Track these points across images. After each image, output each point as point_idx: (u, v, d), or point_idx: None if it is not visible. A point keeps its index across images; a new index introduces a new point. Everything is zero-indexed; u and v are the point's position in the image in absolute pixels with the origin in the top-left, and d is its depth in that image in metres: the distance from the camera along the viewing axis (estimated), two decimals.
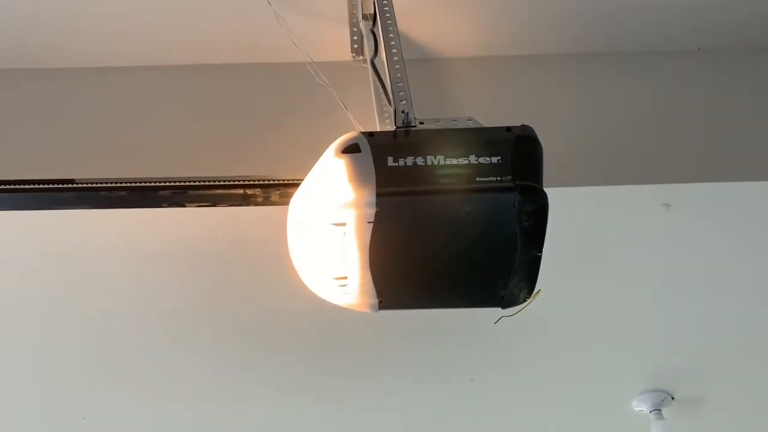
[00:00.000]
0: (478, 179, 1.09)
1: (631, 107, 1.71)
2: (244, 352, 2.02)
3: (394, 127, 1.20)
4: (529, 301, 1.20)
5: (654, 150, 1.65)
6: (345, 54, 1.74)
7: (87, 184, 1.35)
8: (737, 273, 1.83)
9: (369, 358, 2.04)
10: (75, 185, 1.35)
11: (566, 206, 1.55)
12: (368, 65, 1.53)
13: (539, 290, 1.19)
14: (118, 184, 1.35)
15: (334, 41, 1.72)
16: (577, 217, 1.65)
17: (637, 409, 2.19)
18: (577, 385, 2.17)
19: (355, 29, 1.70)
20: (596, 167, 1.62)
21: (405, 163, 1.10)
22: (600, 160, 1.63)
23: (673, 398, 2.16)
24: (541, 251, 1.14)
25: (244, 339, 1.98)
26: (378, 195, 1.08)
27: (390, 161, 1.10)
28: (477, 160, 1.10)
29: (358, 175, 1.10)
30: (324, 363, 2.06)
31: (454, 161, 1.10)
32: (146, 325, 1.93)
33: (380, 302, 1.19)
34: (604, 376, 2.14)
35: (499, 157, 1.10)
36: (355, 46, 1.72)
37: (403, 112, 1.20)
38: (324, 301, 1.25)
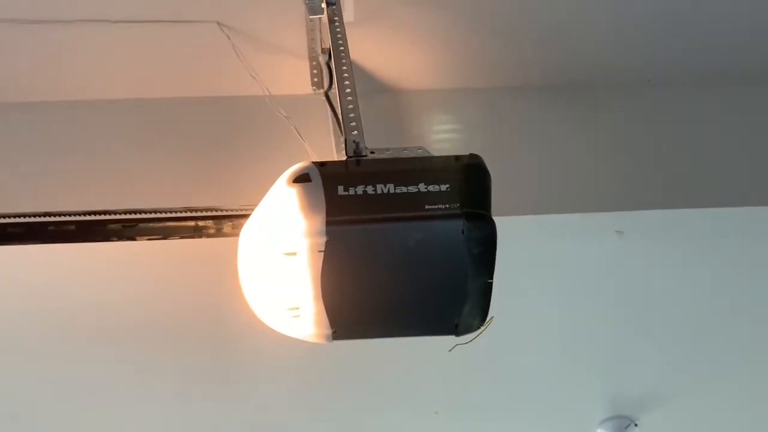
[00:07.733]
0: (426, 207, 1.09)
1: (585, 137, 1.74)
2: (213, 370, 1.99)
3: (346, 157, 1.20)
4: (483, 328, 1.20)
5: (607, 178, 1.68)
6: (306, 87, 1.75)
7: (35, 218, 1.32)
8: (690, 298, 1.85)
9: (330, 391, 2.02)
10: (23, 220, 1.32)
11: (521, 234, 1.58)
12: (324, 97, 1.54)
13: (492, 317, 1.19)
14: (67, 219, 1.33)
15: (294, 74, 1.74)
16: (532, 245, 1.67)
17: None
18: (540, 414, 2.17)
19: (314, 62, 1.71)
20: (550, 195, 1.64)
21: (355, 191, 1.10)
22: (553, 188, 1.65)
23: (636, 425, 2.17)
24: (492, 278, 1.14)
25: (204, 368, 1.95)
26: (328, 224, 1.08)
27: (340, 190, 1.10)
28: (426, 188, 1.10)
29: (308, 205, 1.09)
30: (282, 397, 2.03)
31: (404, 189, 1.10)
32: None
33: (334, 332, 1.18)
34: (567, 405, 2.15)
35: (447, 185, 1.10)
36: (315, 79, 1.74)
37: (354, 141, 1.19)
38: (280, 335, 1.23)
